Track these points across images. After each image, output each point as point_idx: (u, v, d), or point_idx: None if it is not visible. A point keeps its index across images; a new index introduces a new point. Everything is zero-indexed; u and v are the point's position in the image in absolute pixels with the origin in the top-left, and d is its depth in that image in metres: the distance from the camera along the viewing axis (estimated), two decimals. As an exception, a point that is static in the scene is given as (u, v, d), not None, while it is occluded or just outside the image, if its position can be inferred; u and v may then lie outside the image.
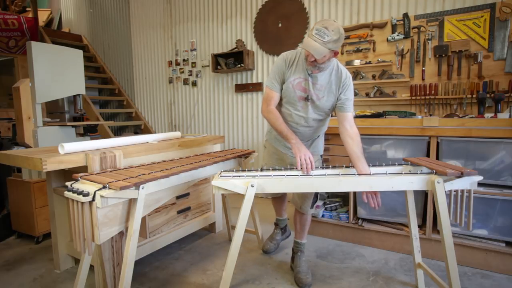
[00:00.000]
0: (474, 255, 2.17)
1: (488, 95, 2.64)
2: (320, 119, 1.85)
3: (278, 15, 3.81)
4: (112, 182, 1.43)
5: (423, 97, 2.98)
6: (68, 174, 1.99)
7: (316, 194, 2.04)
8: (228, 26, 4.34)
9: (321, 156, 2.04)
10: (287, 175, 1.63)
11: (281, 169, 1.76)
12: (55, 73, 2.94)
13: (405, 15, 3.03)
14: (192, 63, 4.74)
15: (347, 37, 3.34)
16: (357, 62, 3.25)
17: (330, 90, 1.74)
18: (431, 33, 2.93)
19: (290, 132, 1.76)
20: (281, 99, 1.85)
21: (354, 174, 1.63)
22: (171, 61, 4.98)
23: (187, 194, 2.50)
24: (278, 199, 2.38)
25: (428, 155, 2.26)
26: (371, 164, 1.80)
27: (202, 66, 4.63)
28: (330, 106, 1.79)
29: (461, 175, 1.51)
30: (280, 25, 3.81)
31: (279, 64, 1.81)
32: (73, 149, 1.79)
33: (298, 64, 1.76)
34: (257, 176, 1.61)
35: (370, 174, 1.62)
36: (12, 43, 5.31)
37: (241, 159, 2.32)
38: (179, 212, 2.43)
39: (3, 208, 2.96)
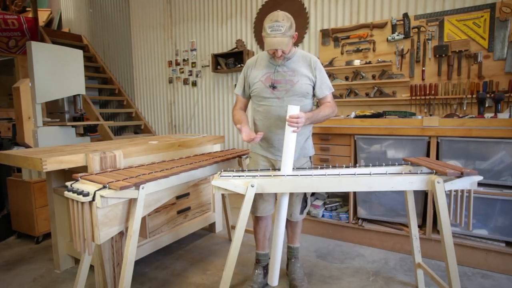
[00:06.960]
0: (474, 255, 2.17)
1: (488, 95, 2.64)
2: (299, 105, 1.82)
3: (278, 15, 3.81)
4: (112, 182, 1.43)
5: (423, 97, 2.98)
6: (68, 174, 1.99)
7: (305, 199, 1.96)
8: (228, 26, 4.34)
9: (310, 157, 1.98)
10: (287, 175, 1.63)
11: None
12: (55, 73, 2.94)
13: (405, 15, 3.03)
14: (192, 63, 4.74)
15: (347, 37, 3.34)
16: (357, 62, 3.24)
17: (303, 74, 1.80)
18: (431, 33, 2.93)
19: (240, 120, 1.86)
20: (259, 107, 1.90)
21: (354, 174, 1.63)
22: (171, 61, 4.98)
23: (187, 194, 2.50)
24: (263, 221, 1.97)
25: (428, 155, 2.26)
26: (371, 164, 1.80)
27: (202, 66, 4.63)
28: (306, 89, 1.81)
29: (461, 175, 1.51)
30: (280, 25, 3.80)
31: (242, 73, 1.96)
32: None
33: (261, 62, 1.86)
34: (257, 176, 1.61)
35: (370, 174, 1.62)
36: (12, 43, 5.31)
37: (241, 159, 2.32)
38: (179, 212, 2.43)
39: (3, 208, 2.96)
